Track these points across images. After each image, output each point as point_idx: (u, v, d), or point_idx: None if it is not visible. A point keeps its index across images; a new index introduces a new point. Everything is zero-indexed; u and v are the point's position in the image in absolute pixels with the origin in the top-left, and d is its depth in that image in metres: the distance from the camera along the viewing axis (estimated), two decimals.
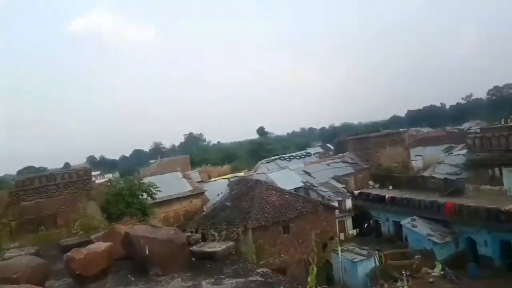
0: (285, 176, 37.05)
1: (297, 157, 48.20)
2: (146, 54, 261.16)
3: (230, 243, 3.66)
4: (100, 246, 3.42)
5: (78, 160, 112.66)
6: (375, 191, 36.76)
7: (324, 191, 34.79)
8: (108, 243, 3.48)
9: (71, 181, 20.17)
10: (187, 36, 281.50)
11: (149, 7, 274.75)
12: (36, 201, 18.90)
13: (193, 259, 3.50)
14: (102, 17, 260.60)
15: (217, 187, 34.94)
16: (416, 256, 24.87)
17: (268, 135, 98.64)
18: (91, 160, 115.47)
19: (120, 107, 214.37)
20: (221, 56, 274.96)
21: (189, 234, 4.16)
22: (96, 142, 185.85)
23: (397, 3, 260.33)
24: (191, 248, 3.61)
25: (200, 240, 4.07)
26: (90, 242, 4.16)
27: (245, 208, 26.18)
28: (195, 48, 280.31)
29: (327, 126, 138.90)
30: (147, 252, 3.20)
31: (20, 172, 71.56)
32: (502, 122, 40.70)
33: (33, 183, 19.51)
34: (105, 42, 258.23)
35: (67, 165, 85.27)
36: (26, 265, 3.31)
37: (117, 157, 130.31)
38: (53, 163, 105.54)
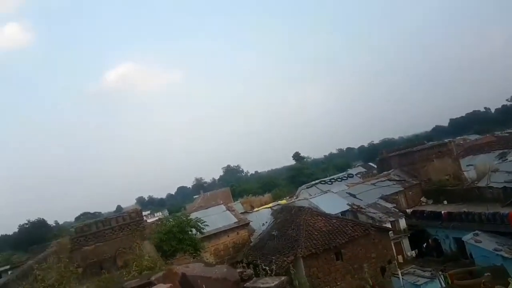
0: (329, 200, 36.34)
1: (339, 179, 47.24)
2: (177, 95, 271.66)
3: (283, 278, 3.74)
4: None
5: (128, 201, 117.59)
6: (430, 208, 35.04)
7: (373, 213, 33.65)
8: (168, 285, 3.74)
9: (125, 223, 21.02)
10: (215, 70, 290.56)
11: (174, 52, 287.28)
12: (96, 245, 19.89)
13: None
14: (130, 68, 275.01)
15: (261, 217, 34.89)
16: (486, 274, 23.03)
17: (305, 159, 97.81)
18: (140, 200, 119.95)
19: (160, 148, 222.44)
20: (251, 87, 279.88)
21: (241, 270, 4.33)
22: (143, 183, 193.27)
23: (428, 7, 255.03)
24: (245, 285, 3.78)
25: (253, 276, 4.23)
26: (151, 283, 4.45)
27: (292, 236, 25.92)
28: (224, 82, 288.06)
29: (366, 144, 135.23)
30: None
31: (77, 219, 75.85)
32: None
33: (91, 228, 20.55)
34: (136, 89, 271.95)
35: (119, 207, 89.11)
36: None
37: (163, 196, 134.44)
38: (106, 207, 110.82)
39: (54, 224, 77.09)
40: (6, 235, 79.77)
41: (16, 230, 69.93)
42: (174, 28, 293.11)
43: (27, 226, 66.41)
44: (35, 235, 59.58)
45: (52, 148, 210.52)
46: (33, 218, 67.79)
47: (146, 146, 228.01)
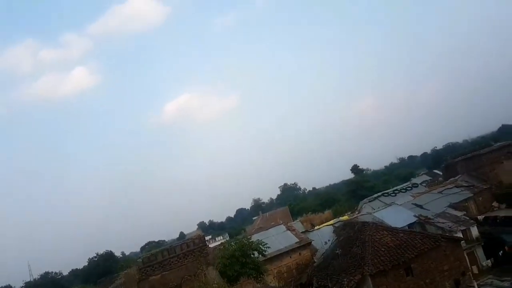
0: (394, 213, 34.65)
1: (403, 190, 44.96)
2: (232, 119, 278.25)
3: None
4: None
5: (190, 227, 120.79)
6: (503, 213, 32.33)
7: (442, 223, 31.55)
8: None
9: (189, 250, 21.63)
10: (268, 89, 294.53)
11: (230, 79, 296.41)
12: (162, 275, 20.59)
13: None
14: (187, 99, 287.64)
15: (323, 235, 34.04)
16: None
17: (364, 172, 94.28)
18: (201, 225, 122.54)
19: (218, 172, 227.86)
20: (304, 103, 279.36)
21: None
22: (203, 209, 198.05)
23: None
24: None
25: None
26: None
27: (358, 253, 24.98)
28: (277, 99, 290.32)
29: (429, 151, 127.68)
30: None
31: (142, 248, 79.19)
32: None
33: (157, 258, 21.35)
34: (192, 118, 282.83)
35: (181, 234, 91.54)
36: None
37: (223, 219, 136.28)
38: (170, 235, 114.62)
39: (121, 256, 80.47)
40: (76, 269, 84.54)
41: (86, 263, 72.88)
42: (228, 52, 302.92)
43: (95, 259, 68.95)
44: (103, 267, 62.11)
45: (117, 180, 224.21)
46: (101, 251, 71.22)
47: (204, 172, 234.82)
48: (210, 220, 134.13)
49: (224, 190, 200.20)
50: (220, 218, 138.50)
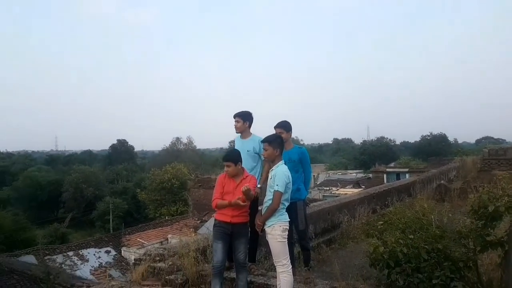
0: None
1: None
2: None
3: None
4: None
5: None
6: None
7: None
8: None
9: None
10: None
11: None
12: (508, 172, 19.13)
13: None
14: None
15: None
16: None
17: None
18: None
19: None
20: None
21: None
22: None
23: None
24: None
25: None
26: None
27: None
28: None
29: None
30: None
31: (478, 141, 74.15)
32: None
33: (506, 154, 19.81)
34: None
35: None
36: None
37: None
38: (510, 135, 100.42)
39: (453, 141, 78.10)
40: (407, 142, 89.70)
41: (418, 139, 76.36)
42: None
43: (428, 137, 70.33)
44: (434, 147, 62.95)
45: None
46: (435, 131, 71.18)
47: None
48: None
49: None
50: None
